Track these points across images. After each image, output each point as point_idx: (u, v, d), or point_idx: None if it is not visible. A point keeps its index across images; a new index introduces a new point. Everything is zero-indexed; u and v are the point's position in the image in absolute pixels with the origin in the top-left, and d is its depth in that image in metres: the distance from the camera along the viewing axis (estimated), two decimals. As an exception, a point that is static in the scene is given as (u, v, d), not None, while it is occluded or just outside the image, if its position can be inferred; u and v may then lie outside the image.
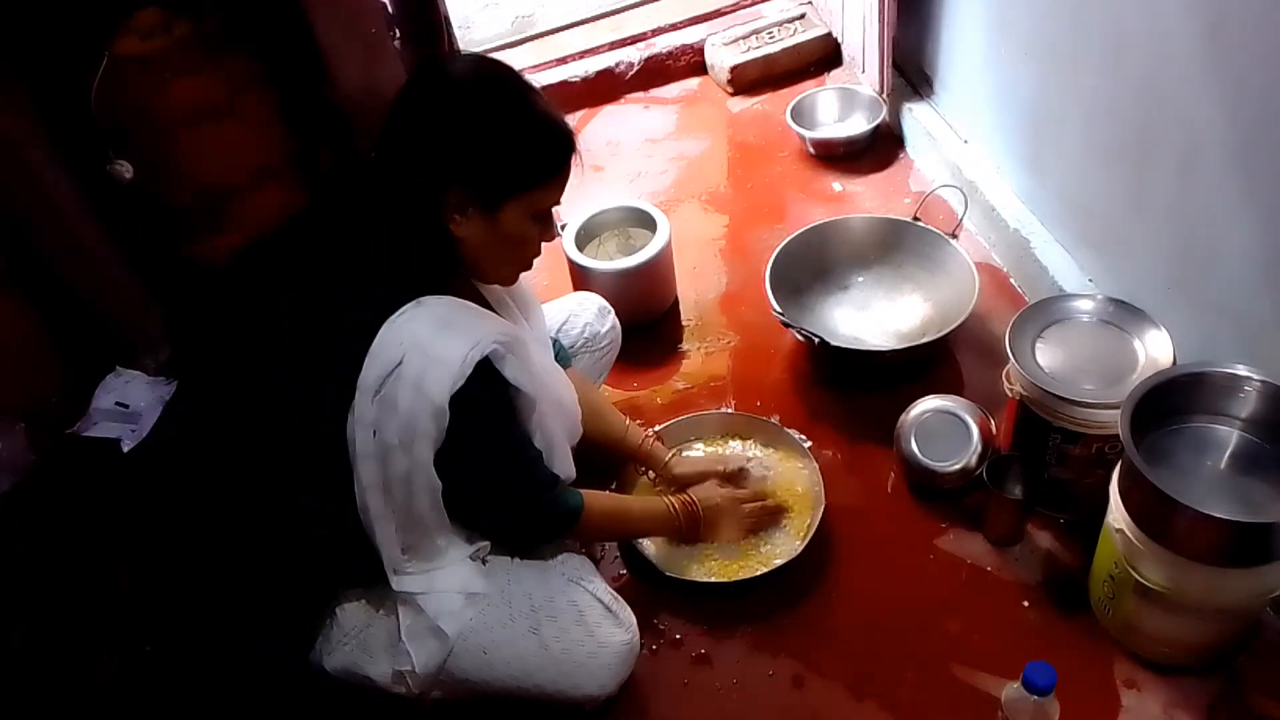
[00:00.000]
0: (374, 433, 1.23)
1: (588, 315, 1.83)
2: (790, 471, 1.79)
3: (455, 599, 1.35)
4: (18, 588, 1.61)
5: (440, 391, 1.20)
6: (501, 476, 1.34)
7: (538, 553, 1.47)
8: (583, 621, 1.39)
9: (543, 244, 1.35)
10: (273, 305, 1.34)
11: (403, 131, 1.25)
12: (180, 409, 1.35)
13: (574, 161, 1.30)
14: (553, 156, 1.27)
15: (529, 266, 1.38)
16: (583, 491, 1.46)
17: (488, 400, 1.27)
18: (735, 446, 1.86)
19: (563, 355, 1.69)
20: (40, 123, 1.82)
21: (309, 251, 1.36)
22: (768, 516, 1.70)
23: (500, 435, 1.32)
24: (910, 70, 2.55)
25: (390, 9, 2.07)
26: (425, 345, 1.20)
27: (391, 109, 1.26)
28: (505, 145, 1.23)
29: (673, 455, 1.77)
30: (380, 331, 1.21)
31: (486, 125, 1.22)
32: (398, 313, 1.22)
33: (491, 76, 1.28)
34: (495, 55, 2.93)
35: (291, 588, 1.39)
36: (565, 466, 1.46)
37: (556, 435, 1.43)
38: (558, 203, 1.32)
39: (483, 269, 1.34)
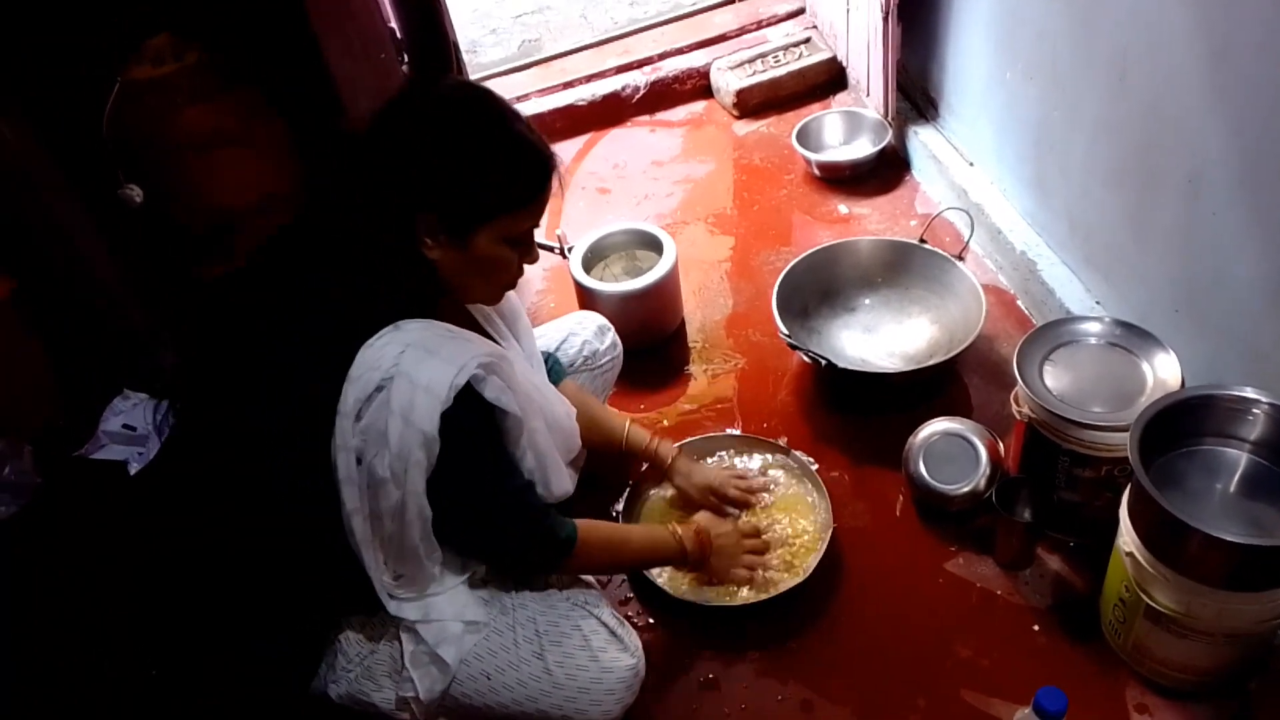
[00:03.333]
0: (358, 459, 1.21)
1: (586, 333, 1.83)
2: (797, 495, 1.79)
3: (454, 625, 1.34)
4: (25, 595, 1.62)
5: (430, 420, 1.18)
6: (490, 501, 1.32)
7: (548, 583, 1.46)
8: (587, 646, 1.39)
9: (525, 265, 1.31)
10: (252, 328, 1.30)
11: (376, 153, 1.22)
12: (184, 419, 1.35)
13: (553, 183, 1.26)
14: (523, 183, 1.23)
15: (511, 287, 1.35)
16: (579, 522, 1.42)
17: (471, 424, 1.24)
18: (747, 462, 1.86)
19: (557, 371, 1.68)
20: (51, 147, 1.84)
21: (292, 269, 1.31)
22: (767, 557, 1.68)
23: (486, 459, 1.30)
24: (915, 94, 2.57)
25: (398, 34, 2.09)
26: (410, 373, 1.18)
27: (370, 127, 1.23)
28: (471, 173, 1.20)
29: (675, 458, 1.75)
30: (358, 355, 1.19)
31: (453, 153, 1.20)
32: (375, 336, 1.20)
33: (465, 100, 1.24)
34: (502, 79, 3.03)
35: (293, 590, 1.38)
36: (561, 483, 1.44)
37: (549, 453, 1.41)
38: (536, 226, 1.29)
39: (461, 292, 1.31)
